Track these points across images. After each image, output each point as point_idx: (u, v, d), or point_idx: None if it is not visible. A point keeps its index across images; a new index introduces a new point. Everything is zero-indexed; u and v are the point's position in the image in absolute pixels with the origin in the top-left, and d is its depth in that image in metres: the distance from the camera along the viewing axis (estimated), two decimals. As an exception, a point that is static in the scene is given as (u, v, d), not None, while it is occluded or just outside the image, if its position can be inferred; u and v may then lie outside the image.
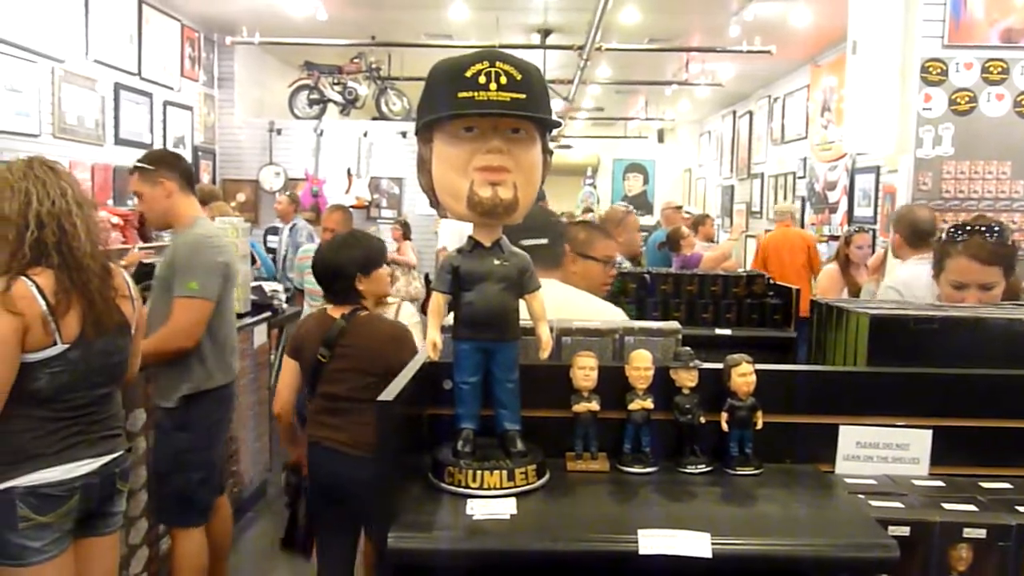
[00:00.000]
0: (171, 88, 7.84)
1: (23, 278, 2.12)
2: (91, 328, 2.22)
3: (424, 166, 1.31)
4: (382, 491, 1.24)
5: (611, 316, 2.14)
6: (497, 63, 1.25)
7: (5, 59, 5.20)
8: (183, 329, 3.00)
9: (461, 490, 1.32)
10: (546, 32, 8.99)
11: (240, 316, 4.40)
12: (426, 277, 7.64)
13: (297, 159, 9.04)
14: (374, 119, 9.89)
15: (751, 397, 1.45)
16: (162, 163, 3.19)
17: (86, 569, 2.33)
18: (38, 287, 2.12)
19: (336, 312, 2.97)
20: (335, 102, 9.58)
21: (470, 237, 1.35)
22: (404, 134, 9.16)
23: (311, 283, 4.38)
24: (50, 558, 2.18)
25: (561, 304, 1.87)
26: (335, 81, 9.50)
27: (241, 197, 8.77)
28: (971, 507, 1.37)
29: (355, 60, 9.50)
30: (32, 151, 5.19)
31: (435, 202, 1.35)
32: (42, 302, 2.12)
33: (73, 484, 2.22)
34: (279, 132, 9.12)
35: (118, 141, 6.77)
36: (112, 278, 2.35)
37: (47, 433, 2.19)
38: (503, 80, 1.24)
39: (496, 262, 1.31)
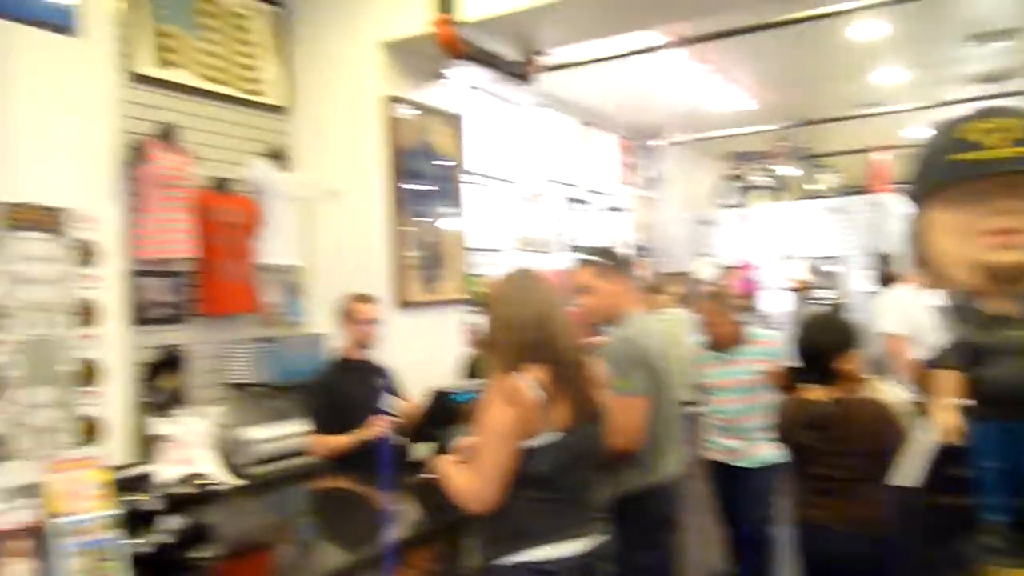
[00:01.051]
0: (611, 195, 8.48)
1: (521, 374, 2.40)
2: (577, 416, 2.43)
3: (917, 237, 1.24)
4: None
5: None
6: (994, 118, 1.16)
7: (478, 188, 6.07)
8: (622, 429, 2.82)
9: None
10: (994, 79, 8.11)
11: (686, 404, 4.43)
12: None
13: (729, 247, 9.13)
14: (803, 199, 9.66)
15: None
16: (615, 259, 3.29)
17: None
18: (534, 381, 2.38)
19: (816, 394, 2.92)
20: (762, 187, 9.57)
21: (977, 308, 1.24)
22: (835, 211, 8.80)
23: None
24: None
25: None
26: (761, 167, 9.51)
27: (677, 289, 9.05)
28: None
29: (781, 143, 9.44)
30: (501, 263, 5.95)
31: (930, 274, 1.27)
32: (537, 394, 2.37)
33: (569, 562, 2.40)
34: (709, 223, 9.32)
35: (567, 248, 7.46)
36: (589, 369, 2.56)
37: (545, 513, 2.41)
38: (1005, 135, 1.14)
39: (1016, 332, 1.18)
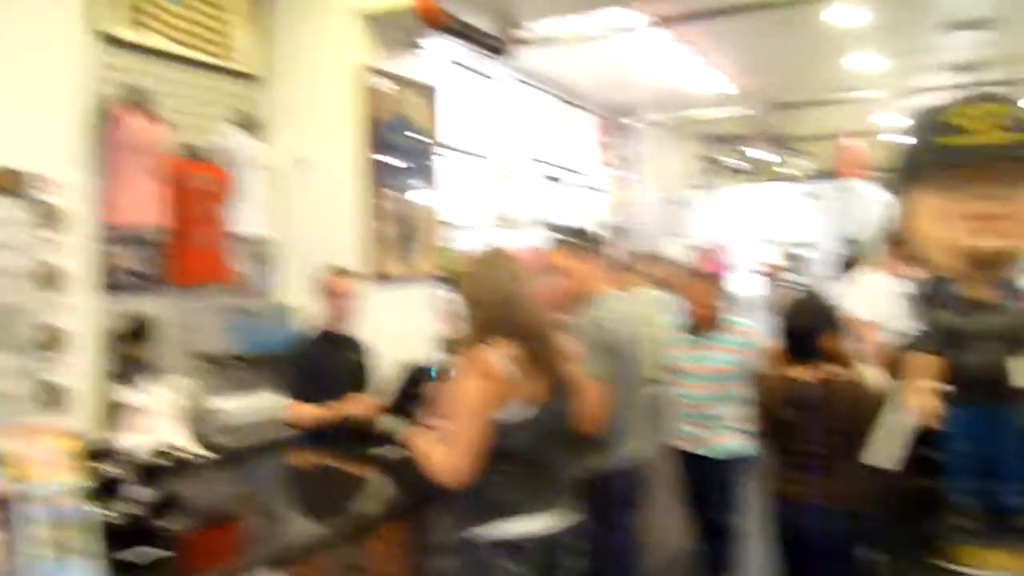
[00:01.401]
0: (587, 174, 8.47)
1: (491, 348, 2.40)
2: (547, 391, 2.44)
3: (901, 221, 1.25)
4: (874, 560, 1.18)
5: None
6: (981, 104, 1.17)
7: (455, 163, 6.04)
8: (586, 412, 2.74)
9: (959, 568, 1.20)
10: (967, 69, 8.19)
11: (654, 384, 4.40)
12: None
13: (702, 229, 9.18)
14: (777, 183, 9.74)
15: None
16: (588, 239, 3.28)
17: None
18: (503, 355, 2.39)
19: (798, 372, 2.99)
20: (736, 170, 9.63)
21: (955, 293, 1.25)
22: (807, 195, 8.89)
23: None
24: None
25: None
26: (736, 149, 9.57)
27: (651, 270, 9.08)
28: None
29: (757, 127, 9.49)
30: (476, 239, 5.93)
31: (913, 258, 1.28)
32: (507, 368, 2.37)
33: (540, 538, 2.42)
34: (683, 205, 9.36)
35: (543, 226, 7.45)
36: (559, 345, 2.57)
37: (518, 488, 2.42)
38: (991, 122, 1.15)
39: (994, 317, 1.20)
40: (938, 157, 1.16)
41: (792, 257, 8.89)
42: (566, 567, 2.52)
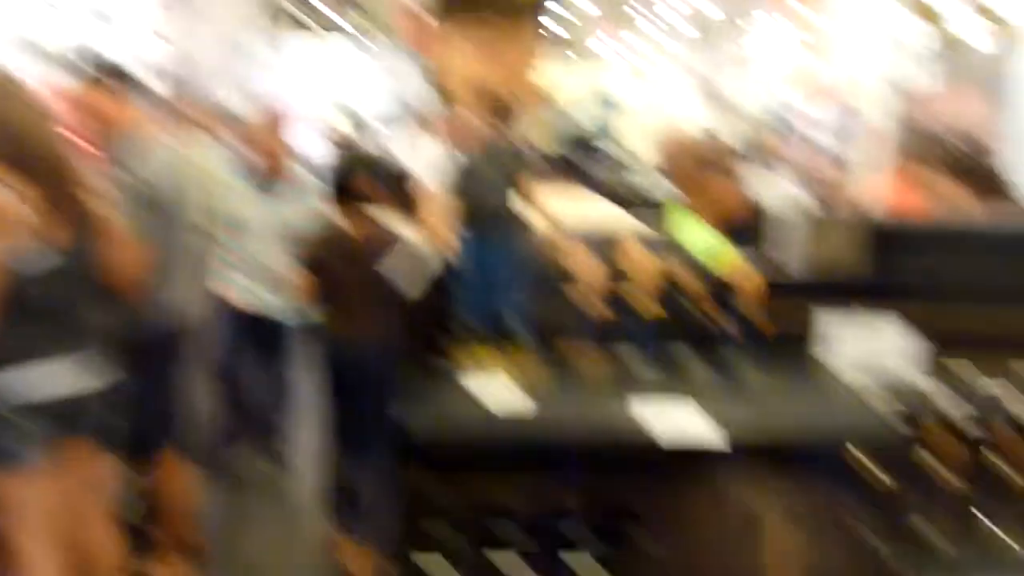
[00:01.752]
0: (138, 10, 7.59)
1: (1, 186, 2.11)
2: (69, 236, 2.24)
3: (442, 74, 1.30)
4: (391, 373, 1.28)
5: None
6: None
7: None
8: (125, 269, 2.56)
9: (465, 371, 1.36)
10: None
11: (205, 240, 4.19)
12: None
13: (266, 81, 8.83)
14: (342, 39, 9.69)
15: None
16: (128, 79, 3.06)
17: (70, 474, 2.34)
18: (12, 194, 2.13)
19: (345, 224, 3.08)
20: (301, 21, 9.38)
21: (483, 138, 1.35)
22: (374, 57, 9.00)
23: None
24: (33, 464, 2.22)
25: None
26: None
27: (208, 119, 8.57)
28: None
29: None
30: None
31: (456, 118, 1.35)
32: (17, 208, 2.13)
33: (59, 394, 2.25)
34: (248, 53, 8.88)
35: (80, 60, 6.56)
36: (85, 187, 2.34)
37: (31, 339, 2.22)
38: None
39: (500, 156, 1.32)
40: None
41: (355, 116, 9.00)
42: (97, 425, 2.37)
